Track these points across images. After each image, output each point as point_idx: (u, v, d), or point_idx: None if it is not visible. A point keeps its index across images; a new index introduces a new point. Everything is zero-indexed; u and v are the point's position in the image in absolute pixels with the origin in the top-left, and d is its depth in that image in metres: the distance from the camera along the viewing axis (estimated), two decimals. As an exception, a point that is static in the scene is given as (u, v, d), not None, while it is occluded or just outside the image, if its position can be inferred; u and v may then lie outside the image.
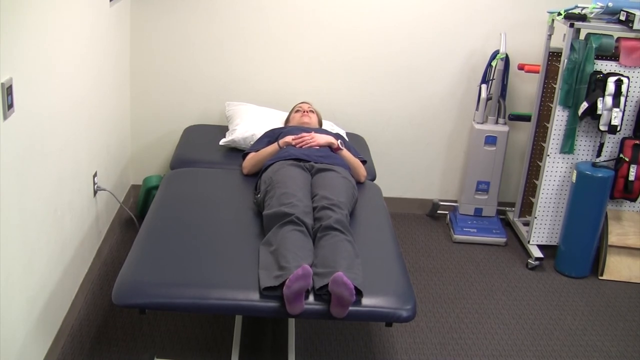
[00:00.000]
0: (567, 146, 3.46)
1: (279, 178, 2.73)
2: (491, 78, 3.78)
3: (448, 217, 4.03)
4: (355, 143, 3.56)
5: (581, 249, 3.51)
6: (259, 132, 3.38)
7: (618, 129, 3.33)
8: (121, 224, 3.67)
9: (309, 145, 3.07)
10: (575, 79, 3.34)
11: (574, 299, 3.34)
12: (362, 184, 3.11)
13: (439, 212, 4.13)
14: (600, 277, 3.55)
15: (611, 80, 3.27)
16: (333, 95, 3.88)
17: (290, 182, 2.70)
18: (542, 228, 3.66)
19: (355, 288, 2.15)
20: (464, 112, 3.97)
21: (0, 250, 2.02)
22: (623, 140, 3.46)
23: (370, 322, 2.87)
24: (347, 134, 3.69)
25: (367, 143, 3.76)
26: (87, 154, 2.99)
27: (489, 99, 3.81)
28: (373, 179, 3.31)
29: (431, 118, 3.98)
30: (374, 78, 3.88)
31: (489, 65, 3.76)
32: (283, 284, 2.15)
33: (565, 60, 3.35)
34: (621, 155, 3.45)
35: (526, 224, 3.86)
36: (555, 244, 3.66)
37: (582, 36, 3.39)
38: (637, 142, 3.42)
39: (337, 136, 3.25)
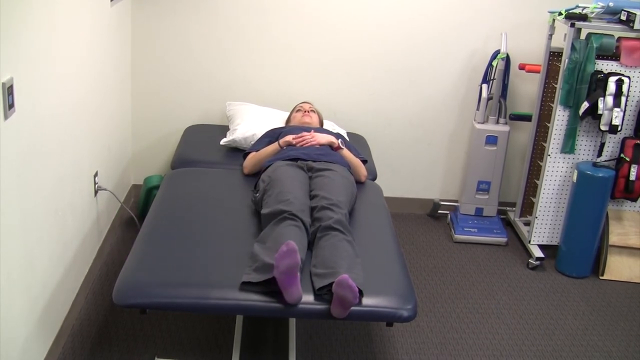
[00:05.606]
0: (568, 146, 3.46)
1: (277, 177, 2.74)
2: (492, 78, 3.78)
3: (449, 216, 4.03)
4: (356, 143, 3.56)
5: (582, 249, 3.51)
6: (259, 132, 3.39)
7: (619, 128, 3.32)
8: (122, 224, 3.67)
9: (309, 144, 3.07)
10: (576, 79, 3.34)
11: (575, 299, 3.34)
12: (363, 184, 3.11)
13: (439, 212, 4.13)
14: (601, 277, 3.55)
15: (612, 80, 3.27)
16: (334, 95, 3.88)
17: (287, 180, 2.70)
18: (543, 228, 3.65)
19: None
20: (464, 112, 3.97)
21: (0, 250, 2.02)
22: (624, 140, 3.46)
23: (371, 322, 2.87)
24: (348, 133, 3.69)
25: (368, 143, 3.76)
26: (88, 153, 2.99)
27: (489, 98, 3.81)
28: (374, 178, 3.31)
29: (432, 118, 3.98)
30: (375, 78, 3.88)
31: (490, 65, 3.76)
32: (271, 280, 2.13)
33: (566, 60, 3.35)
34: (622, 155, 3.45)
35: (527, 223, 3.86)
36: (556, 243, 3.66)
37: (582, 36, 3.39)
38: (638, 141, 3.41)
39: (338, 136, 3.24)
